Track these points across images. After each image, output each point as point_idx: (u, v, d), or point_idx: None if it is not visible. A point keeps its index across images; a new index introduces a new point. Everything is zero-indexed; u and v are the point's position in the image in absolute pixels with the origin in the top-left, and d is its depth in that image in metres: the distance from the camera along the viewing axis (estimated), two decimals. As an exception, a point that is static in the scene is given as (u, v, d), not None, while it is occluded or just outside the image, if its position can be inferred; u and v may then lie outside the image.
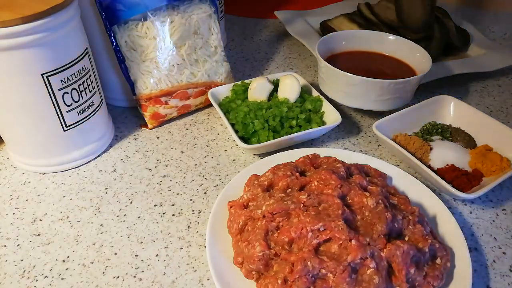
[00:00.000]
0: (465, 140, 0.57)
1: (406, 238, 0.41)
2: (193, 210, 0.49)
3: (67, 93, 0.49)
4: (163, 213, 0.49)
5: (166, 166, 0.56)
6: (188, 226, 0.47)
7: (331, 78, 0.61)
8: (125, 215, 0.49)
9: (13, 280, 0.42)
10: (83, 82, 0.51)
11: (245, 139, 0.56)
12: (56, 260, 0.44)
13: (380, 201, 0.41)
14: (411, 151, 0.54)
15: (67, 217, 0.48)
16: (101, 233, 0.47)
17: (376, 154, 0.58)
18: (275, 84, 0.62)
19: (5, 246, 0.45)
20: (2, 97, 0.47)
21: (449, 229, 0.44)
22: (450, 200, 0.51)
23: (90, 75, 0.52)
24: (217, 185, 0.53)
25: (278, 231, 0.40)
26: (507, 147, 0.54)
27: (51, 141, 0.52)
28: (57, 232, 0.47)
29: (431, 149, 0.55)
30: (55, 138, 0.51)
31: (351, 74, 0.58)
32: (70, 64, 0.48)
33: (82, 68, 0.50)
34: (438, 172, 0.52)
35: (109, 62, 0.60)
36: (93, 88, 0.53)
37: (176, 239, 0.46)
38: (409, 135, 0.57)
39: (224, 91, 0.63)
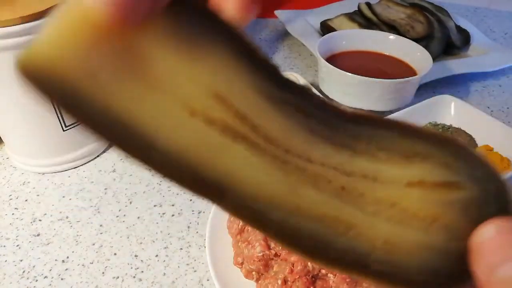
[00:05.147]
0: (466, 140, 0.57)
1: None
2: (193, 210, 0.49)
3: (67, 93, 0.49)
4: (163, 214, 0.49)
5: (166, 166, 0.55)
6: (188, 227, 0.47)
7: (331, 78, 0.61)
8: (124, 215, 0.49)
9: (13, 280, 0.42)
10: (82, 82, 0.51)
11: (245, 139, 0.56)
12: (55, 260, 0.44)
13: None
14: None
15: (67, 217, 0.48)
16: (101, 233, 0.47)
17: (376, 154, 0.58)
18: (275, 84, 0.62)
19: (4, 246, 0.45)
20: (1, 97, 0.47)
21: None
22: (450, 200, 0.51)
23: (90, 75, 0.52)
24: (217, 185, 0.53)
25: (278, 231, 0.40)
26: (507, 147, 0.54)
27: (51, 141, 0.51)
28: (56, 233, 0.47)
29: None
30: (54, 138, 0.51)
31: (351, 74, 0.58)
32: (70, 64, 0.48)
33: (82, 68, 0.50)
34: (438, 172, 0.52)
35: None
36: (93, 88, 0.53)
37: (176, 240, 0.46)
38: (410, 135, 0.57)
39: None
